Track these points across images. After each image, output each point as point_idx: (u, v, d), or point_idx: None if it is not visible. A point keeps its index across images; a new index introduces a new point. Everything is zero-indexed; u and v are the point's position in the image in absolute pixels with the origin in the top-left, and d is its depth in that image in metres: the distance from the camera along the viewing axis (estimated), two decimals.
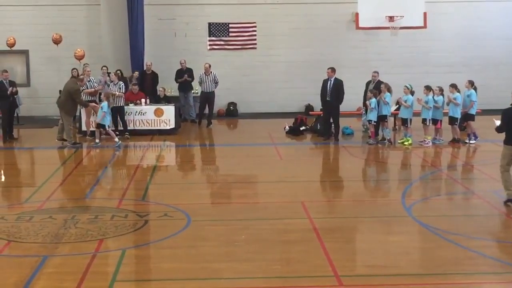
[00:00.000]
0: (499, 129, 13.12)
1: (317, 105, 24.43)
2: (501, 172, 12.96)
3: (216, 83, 23.62)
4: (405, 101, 19.82)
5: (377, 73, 21.07)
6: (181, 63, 24.66)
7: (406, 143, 19.72)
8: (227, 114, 26.72)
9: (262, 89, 26.97)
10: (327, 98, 20.48)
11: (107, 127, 20.06)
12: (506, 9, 27.30)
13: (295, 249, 10.71)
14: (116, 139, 19.79)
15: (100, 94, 22.05)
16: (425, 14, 21.97)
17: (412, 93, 20.07)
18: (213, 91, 23.71)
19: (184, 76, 24.15)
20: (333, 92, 20.39)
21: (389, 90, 20.05)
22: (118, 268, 9.85)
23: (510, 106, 12.99)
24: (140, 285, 9.54)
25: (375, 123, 20.02)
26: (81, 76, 21.31)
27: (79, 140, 20.75)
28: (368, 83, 20.91)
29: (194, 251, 10.59)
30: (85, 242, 10.98)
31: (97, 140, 20.09)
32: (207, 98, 23.72)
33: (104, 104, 20.15)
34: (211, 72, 23.50)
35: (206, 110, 24.08)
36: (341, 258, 10.24)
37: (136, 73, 23.60)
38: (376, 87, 20.34)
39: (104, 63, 23.87)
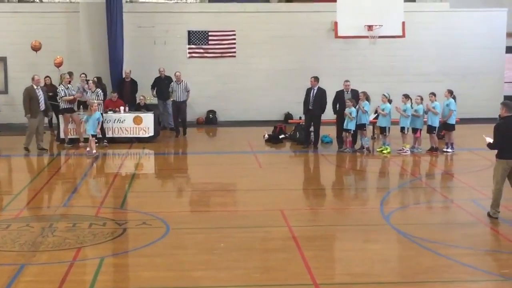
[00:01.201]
0: (491, 146, 12.74)
1: (296, 113, 24.54)
2: (495, 188, 12.59)
3: (187, 91, 23.23)
4: (383, 110, 19.92)
5: (349, 82, 20.92)
6: (160, 71, 24.59)
7: (384, 151, 19.80)
8: (207, 122, 26.69)
9: (241, 97, 26.99)
10: (310, 107, 20.51)
11: (90, 136, 19.80)
12: (484, 18, 27.55)
13: (274, 257, 10.69)
14: (94, 150, 19.61)
15: (79, 101, 21.95)
16: (403, 23, 22.10)
17: (390, 101, 20.18)
18: (185, 100, 23.26)
19: (169, 88, 23.64)
20: (316, 101, 20.44)
21: (367, 98, 20.14)
22: (96, 276, 9.77)
23: (501, 119, 12.76)
24: None
25: (352, 132, 20.08)
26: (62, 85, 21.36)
27: (58, 148, 20.66)
28: (338, 93, 20.73)
29: (173, 259, 10.55)
30: (63, 251, 10.90)
31: (94, 151, 19.67)
32: (179, 107, 23.30)
33: (92, 116, 19.92)
34: (183, 80, 23.16)
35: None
36: (320, 266, 10.24)
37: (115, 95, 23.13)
38: (353, 96, 20.38)
39: (83, 70, 23.79)
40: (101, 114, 21.16)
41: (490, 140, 12.76)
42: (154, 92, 24.44)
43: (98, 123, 20.11)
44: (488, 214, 12.75)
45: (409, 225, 12.43)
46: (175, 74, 23.20)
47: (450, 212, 13.88)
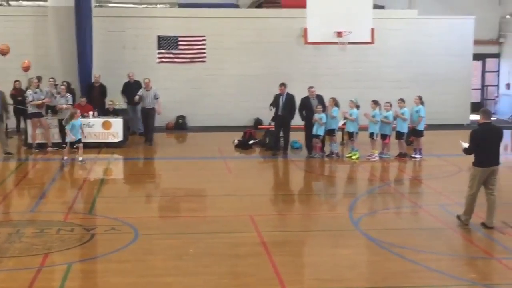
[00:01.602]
0: (466, 151, 12.79)
1: (266, 119, 24.55)
2: (469, 195, 12.60)
3: (157, 98, 22.80)
4: (350, 115, 20.03)
5: (314, 88, 20.94)
6: (129, 76, 24.47)
7: (353, 157, 19.91)
8: (176, 127, 26.61)
9: (211, 102, 26.97)
10: (279, 113, 20.56)
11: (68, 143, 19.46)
12: (451, 26, 27.84)
13: (243, 263, 10.68)
14: (66, 157, 19.38)
15: (47, 106, 21.75)
16: (372, 30, 22.24)
17: (358, 107, 20.30)
18: (154, 107, 22.80)
19: (137, 96, 23.29)
20: (286, 107, 20.49)
21: (336, 104, 20.23)
22: (63, 283, 9.69)
23: (478, 126, 12.83)
24: None
25: (321, 137, 20.16)
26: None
27: (25, 153, 20.46)
28: (304, 99, 20.76)
29: (142, 265, 10.49)
30: (30, 257, 10.78)
31: (80, 158, 19.29)
32: (147, 114, 22.91)
33: (74, 123, 19.53)
34: (152, 87, 22.83)
35: None
36: (290, 272, 10.25)
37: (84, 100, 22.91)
38: (319, 101, 20.45)
39: (51, 74, 23.58)
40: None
41: (465, 145, 12.84)
42: (125, 97, 24.30)
43: (81, 129, 19.88)
44: (458, 218, 12.81)
45: (378, 230, 12.49)
46: (144, 81, 22.95)
47: (418, 217, 13.98)
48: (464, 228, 12.65)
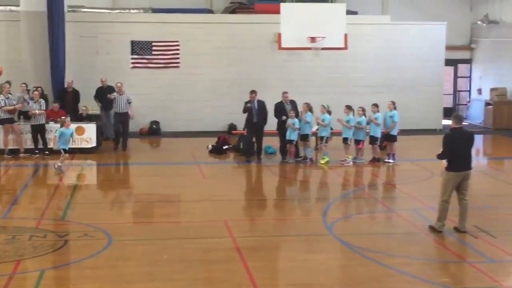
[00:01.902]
0: (440, 156, 12.80)
1: (240, 124, 24.54)
2: (443, 201, 12.64)
3: (129, 103, 22.53)
4: (323, 120, 20.09)
5: (288, 93, 20.99)
6: (102, 81, 24.33)
7: (321, 161, 19.98)
8: (150, 133, 26.51)
9: (185, 108, 26.91)
10: (254, 120, 20.55)
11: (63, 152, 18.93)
12: (423, 31, 28.05)
13: (217, 268, 10.68)
14: (59, 163, 18.83)
15: (19, 111, 21.56)
16: (345, 35, 22.34)
17: (329, 112, 20.37)
18: (127, 112, 22.55)
19: (112, 95, 23.14)
20: (259, 114, 20.51)
21: (310, 109, 20.30)
22: None
23: (451, 131, 12.93)
24: None
25: (295, 142, 20.22)
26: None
27: None
28: (279, 105, 20.81)
29: (115, 271, 10.44)
30: (2, 264, 10.68)
31: (59, 164, 18.61)
32: (121, 119, 22.61)
33: (63, 131, 18.93)
34: (124, 91, 22.54)
35: None
36: (264, 277, 10.26)
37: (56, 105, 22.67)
38: (292, 107, 20.52)
39: (23, 80, 23.36)
40: (43, 124, 20.88)
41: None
42: (98, 102, 24.18)
43: (71, 138, 19.55)
44: (431, 228, 12.78)
45: (352, 235, 12.55)
46: (116, 85, 22.81)
47: (392, 222, 14.07)
48: (437, 232, 12.74)
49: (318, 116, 20.40)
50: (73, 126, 21.41)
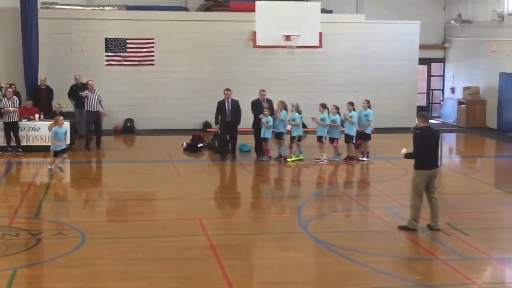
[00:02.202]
0: (410, 156, 12.85)
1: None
2: (416, 200, 12.64)
3: (99, 101, 22.22)
4: (293, 120, 20.10)
5: (265, 91, 21.02)
6: (76, 78, 24.15)
7: (289, 159, 20.02)
8: (124, 131, 26.37)
9: (160, 105, 26.81)
10: (228, 119, 20.52)
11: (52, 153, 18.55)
12: (397, 30, 28.18)
13: (192, 266, 10.67)
14: (60, 164, 18.36)
15: None
16: (320, 34, 22.40)
17: (299, 111, 20.37)
18: (99, 110, 22.27)
19: (84, 93, 22.88)
20: (234, 113, 20.50)
21: (285, 108, 20.33)
22: None
23: (417, 130, 12.96)
24: None
25: (269, 140, 20.24)
26: None
27: None
28: (255, 102, 20.84)
29: (89, 270, 10.39)
30: None
31: (50, 167, 18.22)
32: (94, 117, 22.28)
33: (57, 130, 18.34)
34: (95, 90, 22.25)
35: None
36: (238, 275, 10.27)
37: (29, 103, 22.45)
38: (268, 105, 20.55)
39: None
40: (17, 121, 20.69)
41: (404, 150, 12.96)
42: (72, 100, 24.00)
43: (65, 136, 19.11)
44: (405, 228, 12.75)
45: (326, 233, 12.60)
46: (87, 83, 22.59)
47: (366, 220, 14.14)
48: (410, 230, 12.84)
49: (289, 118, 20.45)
50: (47, 123, 21.30)
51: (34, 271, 10.55)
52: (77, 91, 23.68)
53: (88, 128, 22.40)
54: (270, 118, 20.02)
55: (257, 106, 20.54)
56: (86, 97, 22.06)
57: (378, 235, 12.53)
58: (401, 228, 12.78)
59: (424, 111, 13.32)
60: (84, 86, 23.29)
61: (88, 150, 21.78)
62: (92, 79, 22.93)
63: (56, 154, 18.24)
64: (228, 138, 20.86)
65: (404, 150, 12.94)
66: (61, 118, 18.91)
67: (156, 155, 21.40)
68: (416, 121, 13.14)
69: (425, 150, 12.64)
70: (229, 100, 20.57)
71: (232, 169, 19.95)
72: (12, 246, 11.45)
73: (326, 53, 26.09)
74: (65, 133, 18.90)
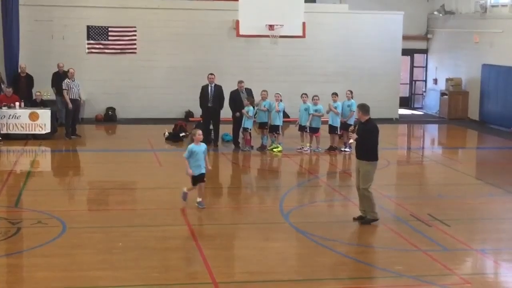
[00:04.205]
0: (370, 150, 12.69)
1: (197, 111, 24.43)
2: (369, 190, 12.60)
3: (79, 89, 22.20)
4: (317, 111, 19.99)
5: (243, 82, 20.98)
6: (59, 66, 23.97)
7: (275, 149, 20.01)
8: (106, 119, 26.24)
9: (142, 94, 26.69)
10: (209, 104, 20.50)
11: None
12: (381, 21, 28.22)
13: (173, 256, 10.64)
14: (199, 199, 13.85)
15: None
16: (304, 24, 22.35)
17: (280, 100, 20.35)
18: (78, 99, 22.20)
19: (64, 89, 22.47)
20: (215, 98, 20.47)
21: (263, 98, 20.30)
22: None
23: (368, 122, 12.81)
24: None
25: (250, 131, 20.20)
26: None
27: None
28: (233, 93, 20.79)
29: (69, 259, 10.33)
30: None
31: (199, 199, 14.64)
32: (74, 105, 22.08)
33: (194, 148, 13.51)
34: (74, 78, 22.21)
35: None
36: (220, 265, 10.25)
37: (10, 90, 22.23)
38: (248, 95, 20.52)
39: None
40: None
41: (353, 139, 12.89)
42: (54, 88, 23.82)
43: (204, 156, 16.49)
44: (366, 220, 12.59)
45: (308, 223, 12.59)
46: (68, 71, 22.40)
47: (348, 210, 14.13)
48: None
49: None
50: (27, 111, 21.16)
51: (13, 260, 10.47)
52: (59, 79, 23.50)
53: (69, 117, 22.18)
54: (250, 108, 19.97)
55: (235, 98, 20.48)
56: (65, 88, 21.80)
57: (359, 226, 12.53)
58: (364, 222, 12.59)
59: (364, 103, 13.13)
60: (66, 74, 23.11)
61: (69, 138, 21.63)
62: (74, 67, 22.77)
63: (196, 181, 13.61)
64: (211, 127, 20.81)
65: (353, 137, 12.86)
66: (199, 132, 13.73)
67: (138, 144, 21.32)
68: (357, 114, 13.06)
69: (376, 142, 12.77)
70: (212, 85, 20.54)
71: (214, 159, 19.87)
72: None
73: (309, 43, 26.09)
74: (204, 152, 13.63)
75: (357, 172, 12.82)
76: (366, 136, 12.62)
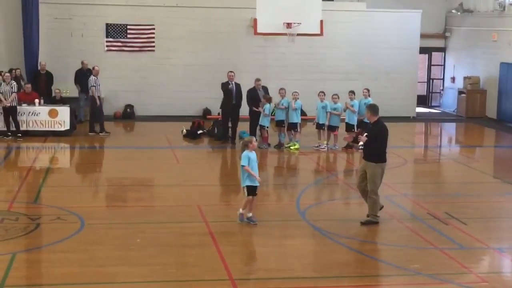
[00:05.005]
0: (378, 150, 12.43)
1: (215, 109, 24.51)
2: (377, 193, 12.41)
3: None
4: (335, 109, 19.99)
5: (260, 80, 21.00)
6: (83, 63, 24.10)
7: (292, 147, 20.02)
8: (124, 117, 26.36)
9: (160, 92, 26.78)
10: (233, 102, 20.56)
11: None
12: (399, 19, 28.13)
13: (190, 253, 10.69)
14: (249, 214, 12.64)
15: None
16: (321, 22, 22.35)
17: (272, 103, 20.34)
18: (100, 96, 22.37)
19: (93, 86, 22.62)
20: (238, 96, 20.56)
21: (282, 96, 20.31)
22: (7, 272, 9.57)
23: (377, 123, 12.55)
24: None
25: (267, 128, 20.21)
26: None
27: None
28: (251, 91, 20.81)
29: (87, 255, 10.41)
30: None
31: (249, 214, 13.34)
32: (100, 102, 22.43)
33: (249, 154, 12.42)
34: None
35: None
36: (236, 262, 10.30)
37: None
38: (264, 93, 20.55)
39: None
40: (15, 106, 20.66)
41: (362, 141, 12.53)
42: (78, 86, 24.05)
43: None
44: (368, 222, 12.42)
45: (324, 221, 12.61)
46: (94, 68, 22.59)
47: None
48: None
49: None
50: (46, 108, 21.32)
51: (33, 255, 10.57)
52: (83, 76, 23.66)
53: (98, 113, 22.38)
54: (267, 106, 20.00)
55: (252, 96, 20.49)
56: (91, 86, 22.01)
57: (375, 223, 12.52)
58: (364, 223, 12.42)
59: (374, 104, 12.89)
60: (90, 71, 23.27)
61: (95, 133, 21.95)
62: (92, 64, 22.93)
63: (253, 191, 12.43)
64: (230, 124, 20.85)
65: (361, 143, 12.58)
66: (254, 139, 12.94)
67: (156, 141, 21.41)
68: (366, 115, 12.73)
69: (385, 143, 12.48)
70: (233, 83, 20.60)
71: (231, 156, 19.96)
72: (11, 231, 11.47)
73: (326, 41, 26.05)
74: (257, 161, 12.70)
75: (362, 173, 12.57)
76: (376, 138, 12.38)
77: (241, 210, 12.41)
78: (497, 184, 16.76)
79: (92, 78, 22.09)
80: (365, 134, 12.62)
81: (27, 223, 12.05)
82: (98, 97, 22.04)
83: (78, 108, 23.96)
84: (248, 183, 12.26)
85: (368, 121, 12.64)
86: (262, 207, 14.01)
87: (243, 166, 12.19)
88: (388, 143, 12.71)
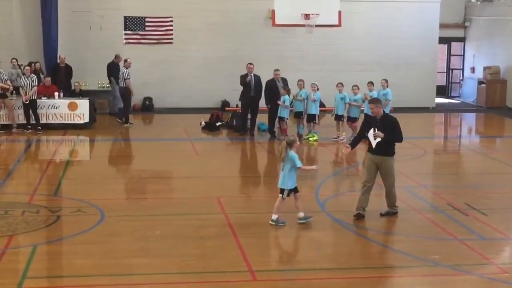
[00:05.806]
0: (397, 139, 12.13)
1: (233, 101, 24.52)
2: (393, 187, 12.31)
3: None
4: (355, 100, 19.93)
5: (279, 71, 20.97)
6: (118, 56, 24.17)
7: (311, 139, 19.98)
8: (143, 109, 26.46)
9: (178, 84, 26.85)
10: (252, 94, 20.56)
11: None
12: (418, 9, 28.00)
13: (210, 244, 10.71)
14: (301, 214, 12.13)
15: (14, 88, 21.44)
16: (340, 12, 22.28)
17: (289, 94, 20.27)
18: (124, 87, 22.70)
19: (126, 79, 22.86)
20: (256, 88, 20.55)
21: (304, 87, 20.27)
22: (29, 264, 9.64)
23: (388, 115, 12.48)
24: (51, 281, 9.38)
25: (286, 120, 20.18)
26: None
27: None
28: (270, 82, 20.77)
29: (107, 247, 10.47)
30: None
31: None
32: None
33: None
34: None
35: None
36: (256, 253, 10.31)
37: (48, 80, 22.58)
38: (284, 85, 20.53)
39: (15, 55, 23.30)
40: (35, 99, 20.80)
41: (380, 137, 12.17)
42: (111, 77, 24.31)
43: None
44: (387, 213, 12.35)
45: (344, 212, 12.58)
46: (126, 61, 22.72)
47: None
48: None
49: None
50: (66, 101, 21.45)
51: (53, 247, 10.64)
52: (116, 69, 23.80)
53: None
54: (286, 97, 19.97)
55: (271, 87, 20.46)
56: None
57: (395, 214, 12.48)
58: (384, 214, 12.36)
59: (376, 97, 12.61)
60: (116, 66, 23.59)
61: (129, 124, 22.52)
62: (111, 57, 23.04)
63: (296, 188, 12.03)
64: (249, 116, 20.86)
65: (379, 139, 12.22)
66: (297, 139, 12.65)
67: (175, 133, 21.48)
68: (375, 109, 12.30)
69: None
70: (252, 75, 20.59)
71: (250, 148, 19.97)
72: (32, 223, 11.55)
73: (345, 32, 25.97)
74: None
75: (373, 168, 12.30)
76: (392, 131, 12.06)
77: (301, 214, 11.84)
78: None
79: (125, 70, 22.31)
80: (373, 129, 12.25)
81: (48, 215, 12.12)
82: (124, 88, 22.43)
83: (113, 100, 24.25)
84: (294, 184, 11.85)
85: (374, 115, 12.35)
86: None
87: (299, 167, 11.75)
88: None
